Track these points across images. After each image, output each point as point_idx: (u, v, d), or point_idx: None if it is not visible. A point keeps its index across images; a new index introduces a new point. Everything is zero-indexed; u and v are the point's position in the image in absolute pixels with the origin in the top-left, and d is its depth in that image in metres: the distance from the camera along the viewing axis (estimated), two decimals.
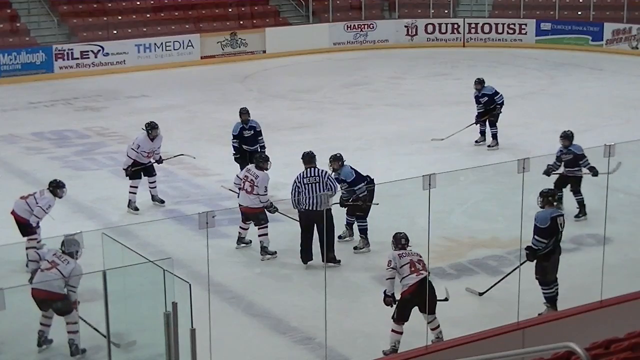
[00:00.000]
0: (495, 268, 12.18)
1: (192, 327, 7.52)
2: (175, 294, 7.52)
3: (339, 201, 12.61)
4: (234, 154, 15.34)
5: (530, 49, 30.64)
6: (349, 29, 31.55)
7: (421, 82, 26.32)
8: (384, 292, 9.95)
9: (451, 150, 18.19)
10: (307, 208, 12.18)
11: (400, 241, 10.20)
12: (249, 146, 15.24)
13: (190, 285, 7.37)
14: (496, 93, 18.02)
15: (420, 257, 10.08)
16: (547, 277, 10.69)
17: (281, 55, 29.74)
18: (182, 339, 7.52)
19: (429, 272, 10.04)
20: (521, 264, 10.46)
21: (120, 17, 29.33)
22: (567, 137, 14.23)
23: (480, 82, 18.13)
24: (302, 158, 12.81)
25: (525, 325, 9.91)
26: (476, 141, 18.28)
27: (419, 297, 9.82)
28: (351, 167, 12.87)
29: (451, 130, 19.62)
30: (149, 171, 14.70)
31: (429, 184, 9.45)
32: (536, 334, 9.71)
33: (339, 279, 11.79)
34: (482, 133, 18.29)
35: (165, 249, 12.11)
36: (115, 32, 28.59)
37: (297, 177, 12.50)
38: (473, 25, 31.87)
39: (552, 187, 10.52)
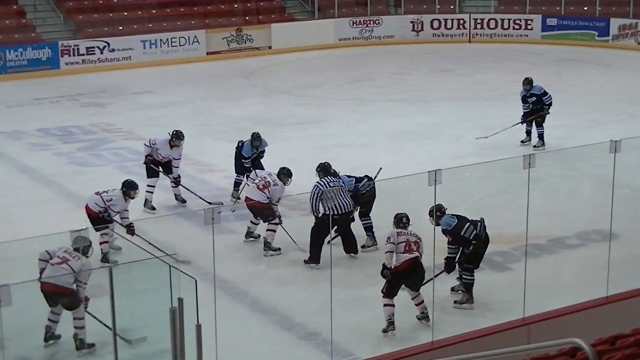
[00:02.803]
0: (500, 264, 12.17)
1: (197, 322, 7.54)
2: (181, 289, 7.54)
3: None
4: (247, 174, 14.48)
5: (536, 45, 30.60)
6: (354, 24, 31.53)
7: (426, 77, 26.31)
8: (383, 264, 10.38)
9: (456, 146, 18.19)
10: (335, 212, 12.04)
11: (401, 220, 10.75)
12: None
13: (196, 281, 7.39)
14: (545, 93, 17.76)
15: (418, 238, 10.53)
16: (476, 265, 11.01)
17: (286, 51, 29.73)
18: (187, 335, 7.54)
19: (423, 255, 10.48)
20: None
21: (125, 13, 29.34)
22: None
23: (529, 82, 17.91)
24: (318, 170, 12.72)
25: (531, 321, 9.93)
26: (522, 141, 17.98)
27: (408, 275, 10.40)
28: (347, 176, 12.84)
29: (458, 125, 19.74)
30: (167, 170, 14.69)
31: (435, 180, 9.47)
32: (542, 329, 9.72)
33: (345, 275, 11.78)
34: (528, 133, 18.03)
35: (171, 245, 12.11)
36: (120, 28, 28.60)
37: (320, 185, 12.35)
38: (479, 21, 31.83)
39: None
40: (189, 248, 12.00)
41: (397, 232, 10.52)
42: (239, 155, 14.74)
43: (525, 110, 17.92)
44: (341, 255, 12.34)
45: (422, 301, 10.44)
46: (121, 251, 12.27)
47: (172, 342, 7.54)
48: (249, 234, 13.09)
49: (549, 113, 17.76)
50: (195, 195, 14.70)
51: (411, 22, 31.97)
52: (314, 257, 12.10)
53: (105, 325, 9.29)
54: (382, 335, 10.21)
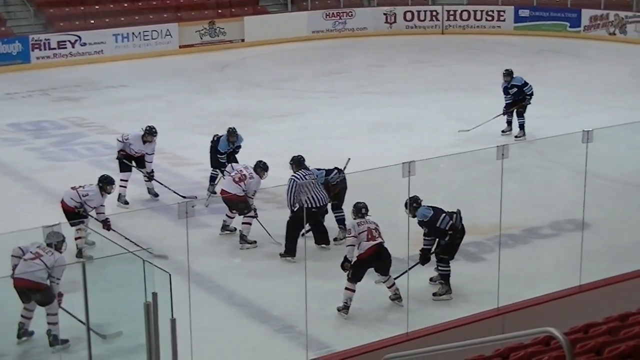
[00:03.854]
0: (475, 254, 12.22)
1: (172, 317, 7.51)
2: (156, 284, 7.51)
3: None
4: (221, 169, 14.44)
5: (509, 36, 30.71)
6: (327, 17, 31.50)
7: (401, 69, 26.34)
8: (345, 257, 10.64)
9: (434, 137, 18.23)
10: (311, 206, 12.06)
11: (360, 210, 10.94)
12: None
13: (170, 275, 7.36)
14: (525, 84, 17.84)
15: (377, 225, 10.77)
16: (451, 256, 11.10)
17: (260, 44, 29.66)
18: (162, 329, 7.51)
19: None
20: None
21: (97, 7, 29.09)
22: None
23: (509, 74, 17.97)
24: (292, 162, 12.76)
25: (505, 310, 9.97)
26: (503, 131, 18.05)
27: (374, 260, 10.70)
28: (317, 169, 12.85)
29: (435, 116, 19.81)
30: (140, 165, 14.64)
31: (409, 172, 9.48)
32: (516, 319, 9.77)
33: (320, 267, 11.78)
34: (509, 123, 18.11)
35: (145, 239, 12.06)
36: (92, 21, 28.39)
37: (295, 178, 12.39)
38: (452, 13, 31.89)
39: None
40: (163, 242, 11.96)
41: (357, 223, 10.74)
42: (214, 150, 14.70)
43: (507, 102, 17.99)
44: (316, 248, 12.34)
45: (394, 283, 10.71)
46: (94, 246, 12.22)
47: (147, 336, 7.51)
48: (225, 227, 13.07)
49: (530, 103, 17.85)
50: (169, 189, 14.65)
51: (384, 14, 31.98)
52: (290, 251, 12.10)
53: (79, 320, 9.23)
54: (357, 326, 10.22)
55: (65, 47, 27.23)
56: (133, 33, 28.29)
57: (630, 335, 6.51)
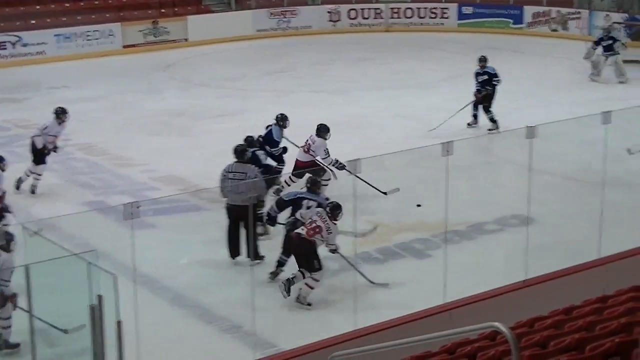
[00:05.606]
0: (421, 251, 12.28)
1: (118, 319, 7.45)
2: (101, 286, 7.43)
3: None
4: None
5: (453, 33, 30.93)
6: (272, 15, 31.47)
7: (346, 67, 26.36)
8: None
9: (378, 135, 18.27)
10: (230, 203, 11.99)
11: None
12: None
13: (115, 277, 7.29)
14: (496, 75, 18.14)
15: None
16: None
17: (204, 43, 29.51)
18: (109, 332, 7.44)
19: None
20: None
21: (38, 7, 28.71)
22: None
23: (483, 60, 18.20)
24: (233, 151, 12.69)
25: (452, 306, 10.02)
26: (468, 124, 18.27)
27: None
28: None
29: (382, 114, 19.86)
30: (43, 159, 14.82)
31: (355, 169, 9.51)
32: (463, 314, 9.81)
33: (267, 267, 11.76)
34: (475, 117, 18.34)
35: (90, 241, 11.92)
36: (33, 21, 28.00)
37: (225, 168, 12.36)
38: (395, 10, 32.05)
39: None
40: (107, 244, 11.84)
41: None
42: (267, 142, 14.84)
43: (477, 87, 18.23)
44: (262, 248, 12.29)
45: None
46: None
47: (93, 339, 7.44)
48: (278, 191, 13.86)
49: (488, 92, 18.01)
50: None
51: (328, 12, 32.04)
52: (230, 252, 12.04)
53: (38, 318, 9.06)
54: (304, 325, 10.22)
55: (6, 48, 26.86)
56: (75, 33, 27.98)
57: (575, 328, 6.59)
